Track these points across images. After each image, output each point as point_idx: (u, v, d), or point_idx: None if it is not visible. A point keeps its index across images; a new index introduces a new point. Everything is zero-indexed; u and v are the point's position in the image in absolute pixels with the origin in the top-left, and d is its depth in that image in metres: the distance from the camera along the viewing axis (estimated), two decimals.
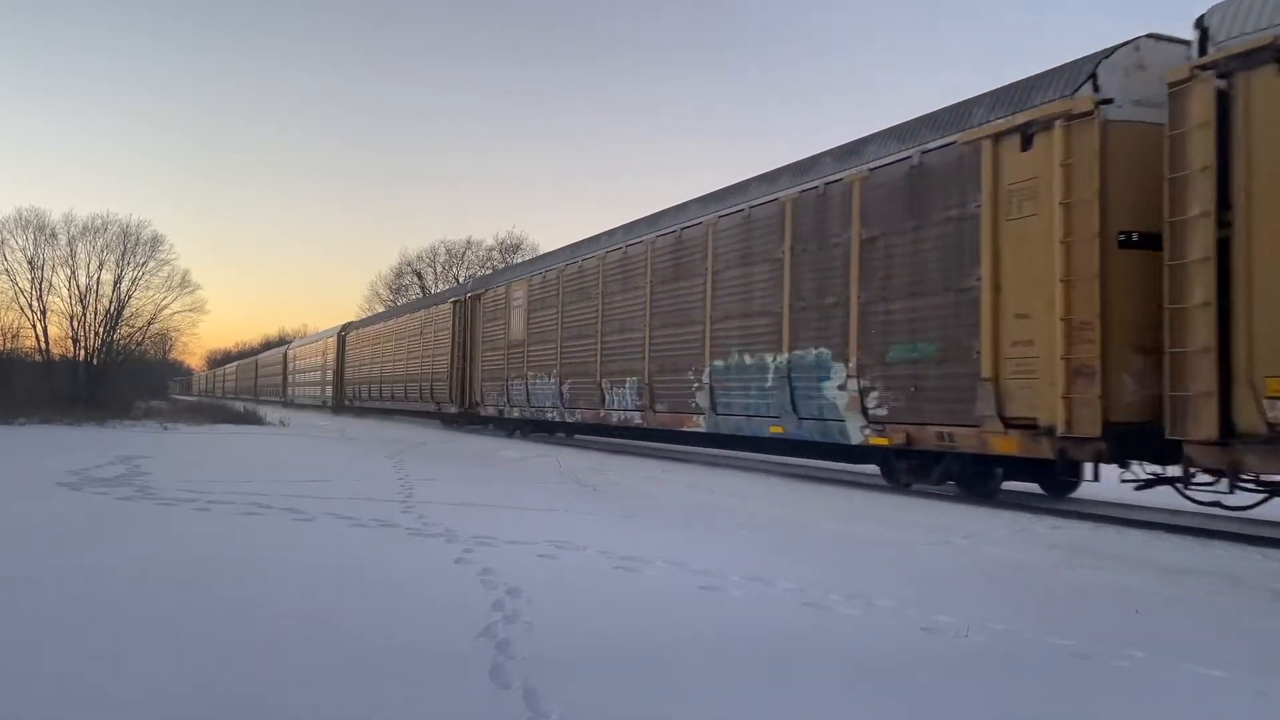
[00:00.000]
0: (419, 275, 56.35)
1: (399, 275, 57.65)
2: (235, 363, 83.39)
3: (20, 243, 27.31)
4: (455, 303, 21.83)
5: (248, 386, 65.76)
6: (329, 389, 36.40)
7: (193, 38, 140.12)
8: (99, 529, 5.90)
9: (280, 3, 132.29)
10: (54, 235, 27.75)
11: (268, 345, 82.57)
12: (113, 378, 27.65)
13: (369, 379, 30.03)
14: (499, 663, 3.04)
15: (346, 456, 13.17)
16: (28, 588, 4.13)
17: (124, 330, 29.11)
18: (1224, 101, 6.21)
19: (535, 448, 15.92)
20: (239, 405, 40.31)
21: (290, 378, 47.99)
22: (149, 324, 30.57)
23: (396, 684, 2.85)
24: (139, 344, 31.87)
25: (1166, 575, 5.19)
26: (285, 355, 50.92)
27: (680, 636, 3.51)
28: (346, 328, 35.22)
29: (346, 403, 33.09)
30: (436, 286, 51.80)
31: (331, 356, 36.04)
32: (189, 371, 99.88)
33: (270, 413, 30.37)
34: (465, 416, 21.39)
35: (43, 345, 27.62)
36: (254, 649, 3.19)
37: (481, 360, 19.98)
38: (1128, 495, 8.60)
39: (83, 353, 27.37)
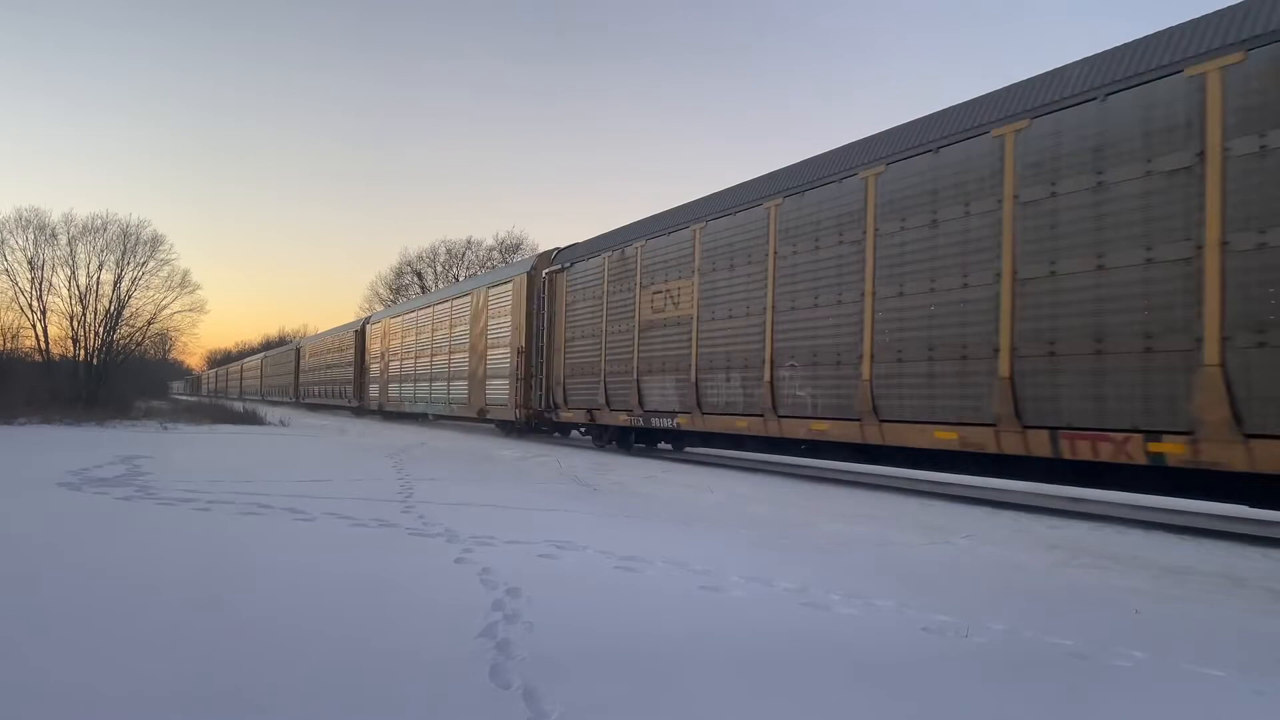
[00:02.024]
0: (419, 275, 56.47)
1: (399, 275, 57.82)
2: (259, 355, 67.17)
3: (20, 243, 27.43)
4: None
5: (281, 385, 49.76)
6: (495, 387, 19.01)
7: (193, 38, 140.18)
8: (98, 529, 5.90)
9: (281, 3, 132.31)
10: (54, 235, 27.84)
11: (268, 345, 79.26)
12: (113, 378, 27.65)
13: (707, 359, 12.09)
14: (499, 662, 3.04)
15: (347, 456, 13.17)
16: (27, 587, 4.13)
17: (124, 330, 29.17)
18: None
19: (535, 447, 15.88)
20: (256, 408, 32.61)
21: (374, 369, 30.08)
22: (149, 324, 30.63)
23: (396, 683, 2.85)
24: (139, 344, 31.88)
25: (1166, 575, 5.19)
26: (362, 333, 32.50)
27: (681, 636, 3.51)
28: (552, 259, 17.03)
29: (558, 415, 16.38)
30: (436, 286, 51.63)
31: (505, 326, 18.59)
32: (189, 371, 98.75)
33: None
34: None
35: (43, 345, 27.70)
36: (252, 648, 3.19)
37: None
38: (1125, 496, 8.60)
39: (83, 353, 27.43)
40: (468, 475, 10.35)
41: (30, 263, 27.33)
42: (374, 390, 30.04)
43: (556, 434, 18.68)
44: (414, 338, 25.81)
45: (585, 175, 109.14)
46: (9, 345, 26.64)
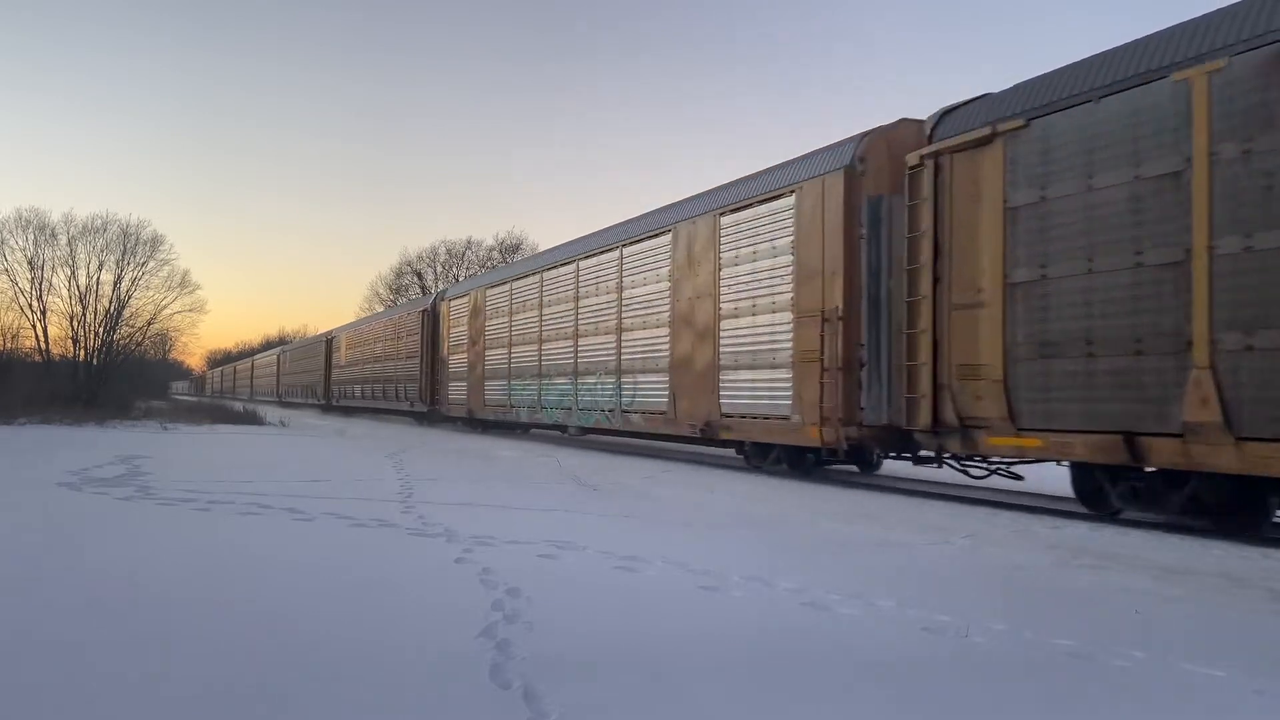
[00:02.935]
0: (419, 275, 56.47)
1: (399, 275, 57.82)
2: (274, 351, 57.99)
3: (20, 243, 27.48)
4: None
5: (306, 384, 41.46)
6: (752, 384, 10.72)
7: (193, 37, 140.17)
8: (99, 529, 5.90)
9: (281, 3, 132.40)
10: (54, 235, 27.90)
11: (268, 345, 78.48)
12: (112, 378, 27.67)
13: None
14: (499, 662, 3.04)
15: (347, 456, 13.17)
16: (26, 587, 4.13)
17: (124, 330, 29.20)
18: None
19: (536, 447, 15.87)
20: (257, 409, 29.68)
21: (456, 362, 21.45)
22: (149, 324, 30.66)
23: (396, 683, 2.85)
24: (139, 344, 31.91)
25: (1166, 575, 5.18)
26: (434, 314, 23.73)
27: (681, 636, 3.51)
28: (932, 128, 8.45)
29: (971, 440, 7.98)
30: (436, 286, 51.58)
31: (774, 274, 10.35)
32: (190, 371, 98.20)
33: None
34: None
35: (43, 345, 27.74)
36: (252, 648, 3.19)
37: None
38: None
39: (83, 353, 27.45)
40: (468, 475, 10.35)
41: (30, 263, 27.40)
42: (457, 390, 21.18)
43: (870, 466, 11.17)
44: (535, 313, 17.10)
45: (585, 175, 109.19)
46: (9, 345, 26.70)
